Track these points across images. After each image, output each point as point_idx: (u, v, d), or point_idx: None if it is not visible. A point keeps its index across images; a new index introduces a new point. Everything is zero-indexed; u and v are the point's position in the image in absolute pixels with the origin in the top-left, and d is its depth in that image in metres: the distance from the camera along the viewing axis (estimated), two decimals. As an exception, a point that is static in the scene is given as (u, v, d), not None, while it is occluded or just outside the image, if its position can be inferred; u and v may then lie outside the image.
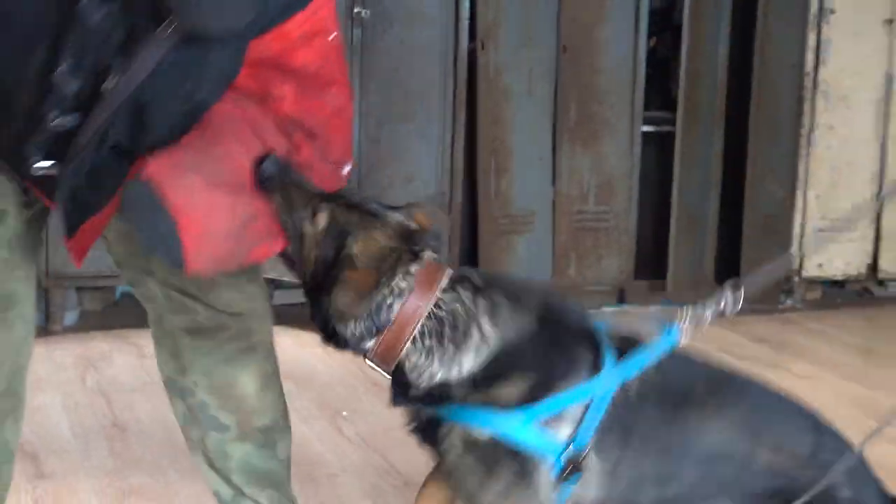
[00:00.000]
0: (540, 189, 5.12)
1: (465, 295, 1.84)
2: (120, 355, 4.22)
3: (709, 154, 5.35)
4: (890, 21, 5.48)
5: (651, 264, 5.47)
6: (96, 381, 3.90)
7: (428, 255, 1.84)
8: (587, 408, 1.79)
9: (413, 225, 1.88)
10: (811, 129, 5.42)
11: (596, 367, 1.81)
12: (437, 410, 1.85)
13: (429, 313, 1.80)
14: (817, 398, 2.41)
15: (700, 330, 1.85)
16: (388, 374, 1.88)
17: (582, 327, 1.89)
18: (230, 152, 1.90)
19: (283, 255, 1.95)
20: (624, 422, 1.83)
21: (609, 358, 1.82)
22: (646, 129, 5.41)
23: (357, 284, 1.81)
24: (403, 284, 1.79)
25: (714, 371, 1.97)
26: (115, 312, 4.85)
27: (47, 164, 1.81)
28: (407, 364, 1.83)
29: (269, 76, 2.03)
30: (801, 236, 5.43)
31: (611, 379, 1.81)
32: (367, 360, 1.88)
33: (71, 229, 1.89)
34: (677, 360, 1.86)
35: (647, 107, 5.25)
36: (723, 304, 1.83)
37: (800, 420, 1.94)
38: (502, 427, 1.79)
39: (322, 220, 1.87)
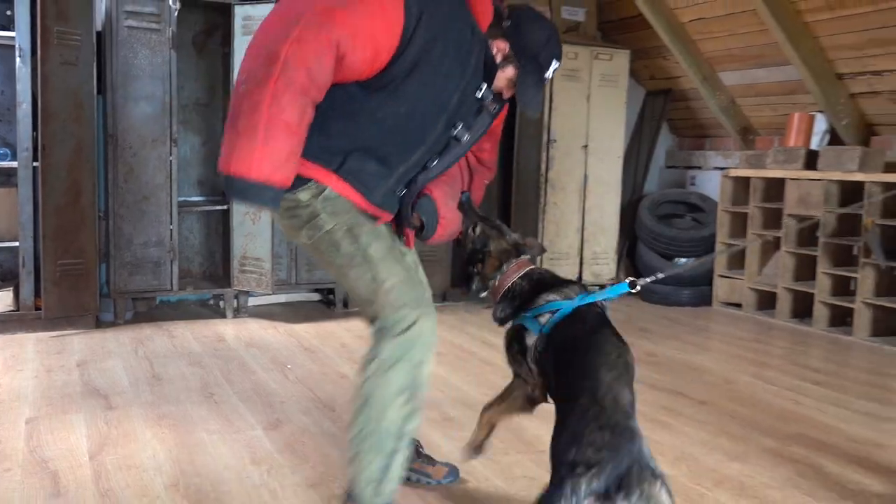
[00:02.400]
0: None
1: (524, 281, 2.11)
2: (157, 337, 4.40)
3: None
4: (585, 146, 5.85)
5: (460, 280, 5.23)
6: (143, 352, 4.08)
7: (523, 256, 2.17)
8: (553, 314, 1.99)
9: (522, 241, 2.22)
10: (544, 205, 5.78)
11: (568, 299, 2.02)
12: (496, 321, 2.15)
13: (512, 283, 2.12)
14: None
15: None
16: (495, 301, 2.15)
17: (566, 281, 2.13)
18: (458, 188, 2.21)
19: (459, 241, 2.29)
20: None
21: (578, 298, 2.02)
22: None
23: (489, 264, 2.16)
24: (506, 268, 2.13)
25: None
26: (155, 312, 5.02)
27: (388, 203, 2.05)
28: (501, 299, 2.13)
29: (484, 139, 2.21)
30: (541, 262, 5.21)
31: (570, 306, 1.97)
32: (483, 294, 2.19)
33: (400, 236, 2.12)
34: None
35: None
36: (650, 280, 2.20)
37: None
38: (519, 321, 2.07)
39: (477, 231, 2.22)
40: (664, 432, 3.09)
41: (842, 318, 5.13)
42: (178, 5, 4.61)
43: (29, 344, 4.25)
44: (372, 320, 1.89)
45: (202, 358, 4.05)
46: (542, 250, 2.42)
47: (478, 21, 1.93)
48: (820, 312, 5.17)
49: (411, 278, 1.91)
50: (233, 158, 1.71)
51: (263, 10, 4.66)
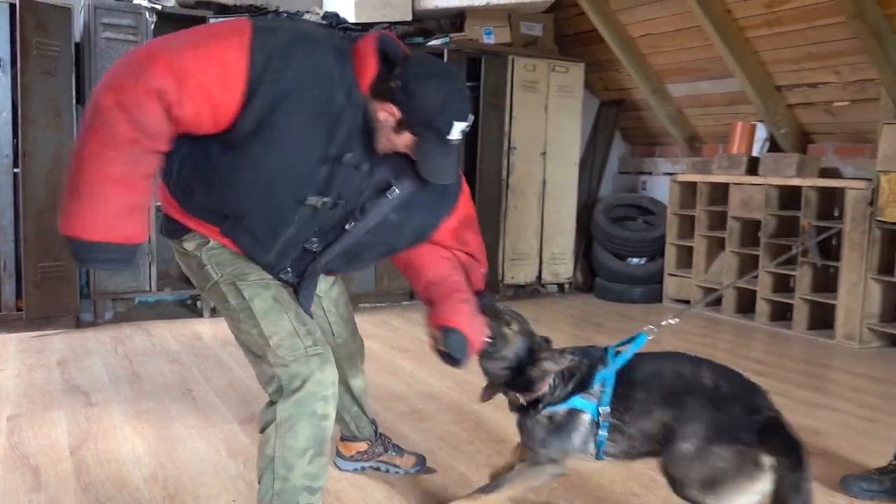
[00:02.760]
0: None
1: (564, 364, 1.93)
2: (137, 336, 4.34)
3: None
4: (544, 153, 5.85)
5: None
6: (122, 350, 4.02)
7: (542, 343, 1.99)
8: (603, 389, 1.90)
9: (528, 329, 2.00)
10: (506, 209, 5.72)
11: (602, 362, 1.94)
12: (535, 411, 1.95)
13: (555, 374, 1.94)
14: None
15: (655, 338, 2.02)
16: (525, 403, 1.96)
17: (597, 354, 1.97)
18: (471, 296, 1.90)
19: (490, 340, 1.94)
20: (623, 394, 1.90)
21: (611, 359, 1.94)
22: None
23: (545, 367, 1.91)
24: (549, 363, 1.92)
25: (655, 359, 2.01)
26: (134, 312, 4.93)
27: (288, 277, 1.81)
28: (542, 398, 1.95)
29: (462, 231, 1.99)
30: (503, 263, 5.70)
31: (612, 370, 1.91)
32: (516, 395, 1.97)
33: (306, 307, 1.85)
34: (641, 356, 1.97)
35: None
36: (664, 324, 2.08)
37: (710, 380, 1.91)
38: (566, 405, 1.91)
39: (516, 327, 1.96)
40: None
41: (782, 313, 5.19)
42: (154, 18, 4.56)
43: (10, 344, 4.17)
44: (266, 380, 1.74)
45: (180, 356, 4.00)
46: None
47: (360, 81, 1.64)
48: (762, 308, 5.24)
49: (298, 329, 1.70)
50: (65, 218, 1.55)
51: (237, 23, 4.63)
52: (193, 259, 1.80)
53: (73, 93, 4.37)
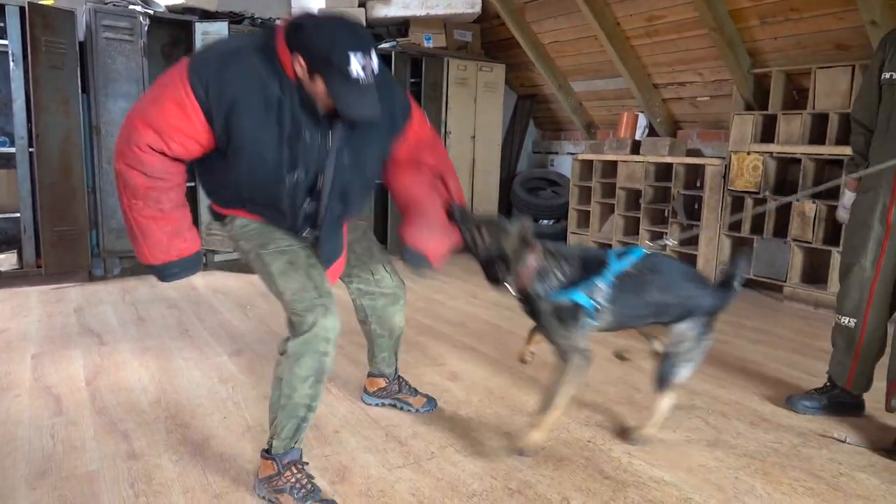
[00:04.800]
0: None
1: (548, 259, 1.89)
2: (141, 287, 4.21)
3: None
4: (473, 137, 5.79)
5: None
6: (129, 299, 3.91)
7: (532, 241, 1.88)
8: (605, 288, 1.86)
9: (519, 227, 1.88)
10: None
11: (603, 264, 1.88)
12: (539, 299, 1.87)
13: (535, 269, 1.87)
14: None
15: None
16: (518, 294, 1.90)
17: (598, 257, 1.91)
18: (436, 210, 1.83)
19: (465, 248, 1.88)
20: (620, 289, 1.87)
21: (612, 262, 1.88)
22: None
23: (510, 262, 1.86)
24: (525, 260, 1.86)
25: (650, 260, 1.92)
26: (139, 268, 4.59)
27: (309, 233, 1.78)
28: (530, 291, 1.88)
29: (419, 152, 1.88)
30: None
31: (613, 271, 1.86)
32: (510, 287, 1.90)
33: (328, 265, 1.81)
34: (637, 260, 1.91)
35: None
36: (661, 243, 1.98)
37: (685, 278, 1.95)
38: (568, 297, 1.85)
39: (485, 231, 1.86)
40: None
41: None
42: (147, 21, 4.33)
43: (33, 295, 4.00)
44: (286, 321, 1.77)
45: (178, 302, 3.91)
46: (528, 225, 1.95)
47: (285, 68, 1.56)
48: (641, 258, 5.33)
49: (306, 285, 1.68)
50: (137, 254, 1.66)
51: (219, 26, 4.48)
52: (230, 233, 1.82)
53: (79, 84, 4.15)
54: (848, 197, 2.31)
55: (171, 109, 1.53)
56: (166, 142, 1.55)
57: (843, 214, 2.31)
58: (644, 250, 1.91)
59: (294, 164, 1.63)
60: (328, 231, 1.77)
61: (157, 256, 1.63)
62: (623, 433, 2.15)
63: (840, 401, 2.35)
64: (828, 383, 2.41)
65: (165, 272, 1.66)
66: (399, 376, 2.34)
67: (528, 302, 1.91)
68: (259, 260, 1.76)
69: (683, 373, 2.01)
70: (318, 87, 1.54)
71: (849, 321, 2.28)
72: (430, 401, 2.37)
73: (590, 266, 1.89)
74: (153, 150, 1.55)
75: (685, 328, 1.97)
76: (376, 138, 1.76)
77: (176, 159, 1.61)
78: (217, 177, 1.72)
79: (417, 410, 2.32)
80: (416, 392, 2.35)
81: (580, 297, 1.85)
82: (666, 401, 2.08)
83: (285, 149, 1.60)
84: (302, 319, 1.66)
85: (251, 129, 1.57)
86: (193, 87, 1.53)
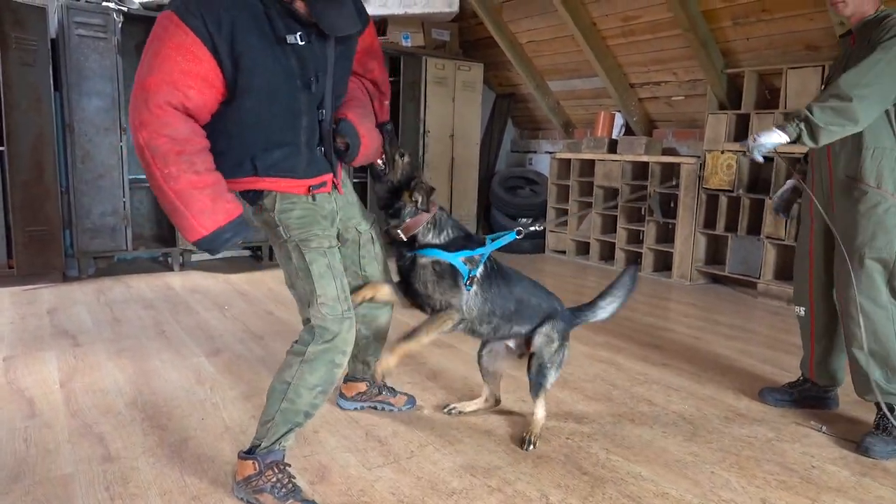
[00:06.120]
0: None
1: (444, 215, 1.93)
2: (116, 287, 4.15)
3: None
4: (452, 135, 5.77)
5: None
6: (104, 299, 3.84)
7: (434, 194, 1.91)
8: (480, 259, 1.92)
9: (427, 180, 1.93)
10: None
11: (482, 245, 1.93)
12: (420, 252, 1.88)
13: (431, 218, 1.89)
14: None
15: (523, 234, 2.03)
16: (404, 238, 1.89)
17: (477, 237, 1.97)
18: (369, 109, 1.84)
19: (378, 166, 1.87)
20: (492, 272, 1.97)
21: (489, 243, 1.94)
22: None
23: (416, 196, 1.85)
24: (424, 203, 1.86)
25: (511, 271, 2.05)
26: (114, 268, 4.68)
27: (324, 166, 1.74)
28: (418, 236, 1.88)
29: (366, 59, 1.89)
30: None
31: (489, 249, 1.93)
32: (395, 229, 1.90)
33: (333, 170, 1.78)
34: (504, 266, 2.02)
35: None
36: (530, 228, 2.07)
37: (538, 288, 2.08)
38: (450, 259, 1.88)
39: (407, 158, 1.89)
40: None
41: (634, 259, 5.26)
42: (121, 18, 4.25)
43: (4, 297, 3.91)
44: (305, 320, 1.71)
45: (154, 302, 3.85)
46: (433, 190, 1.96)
47: None
48: (619, 256, 5.31)
49: (340, 295, 1.67)
50: (184, 233, 1.54)
51: (195, 24, 4.36)
52: (269, 217, 1.71)
53: (51, 81, 4.05)
54: (764, 135, 2.06)
55: (175, 56, 1.46)
56: (184, 91, 1.47)
57: (751, 144, 2.07)
58: (514, 234, 1.99)
59: (305, 71, 1.59)
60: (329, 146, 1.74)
61: (206, 225, 1.51)
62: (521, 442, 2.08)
63: (810, 394, 2.38)
64: (800, 377, 2.44)
65: (218, 240, 1.53)
66: (376, 379, 2.30)
67: (406, 256, 1.91)
68: (299, 254, 1.68)
69: (552, 378, 2.05)
70: (301, 6, 1.55)
71: (800, 310, 2.33)
72: (411, 399, 2.37)
73: (472, 242, 1.94)
74: (173, 106, 1.47)
75: (548, 329, 2.03)
76: (353, 48, 1.76)
77: (192, 120, 1.52)
78: (226, 132, 1.60)
79: (400, 410, 2.31)
80: (395, 392, 2.34)
81: (459, 263, 1.89)
82: (541, 410, 2.09)
83: (291, 56, 1.56)
84: (327, 329, 1.64)
85: (255, 45, 1.51)
86: (190, 24, 1.47)
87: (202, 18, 1.47)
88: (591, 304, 2.13)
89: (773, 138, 1.99)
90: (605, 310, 2.14)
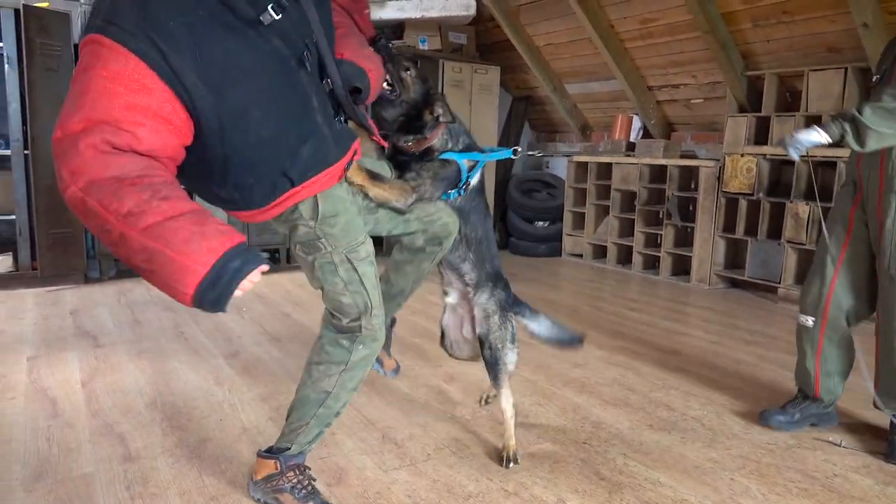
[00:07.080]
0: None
1: (458, 126, 1.81)
2: (137, 289, 4.18)
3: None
4: None
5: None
6: (125, 301, 3.89)
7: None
8: (477, 165, 1.83)
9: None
10: None
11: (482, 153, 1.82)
12: (433, 154, 1.76)
13: (445, 129, 1.78)
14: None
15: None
16: (417, 151, 1.75)
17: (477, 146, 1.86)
18: (355, 30, 1.61)
19: (385, 90, 1.70)
20: (476, 192, 1.90)
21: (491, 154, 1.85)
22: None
23: (438, 111, 1.74)
24: (452, 115, 1.77)
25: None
26: (133, 270, 4.90)
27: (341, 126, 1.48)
28: (434, 147, 1.76)
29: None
30: None
31: (485, 158, 1.84)
32: (406, 143, 1.76)
33: (366, 127, 1.59)
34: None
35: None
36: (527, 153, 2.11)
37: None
38: (458, 159, 1.77)
39: (413, 72, 1.74)
40: (526, 349, 3.09)
41: (652, 263, 5.25)
42: (143, 23, 4.27)
43: (28, 298, 3.98)
44: (349, 321, 1.59)
45: (173, 304, 3.81)
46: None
47: None
48: (637, 259, 5.30)
49: (381, 303, 1.62)
50: (177, 287, 1.10)
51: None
52: (309, 231, 1.50)
53: (75, 86, 4.12)
54: (804, 132, 1.91)
55: (114, 88, 1.08)
56: (131, 131, 1.09)
57: (787, 140, 1.91)
58: (511, 152, 1.91)
59: (295, 47, 1.31)
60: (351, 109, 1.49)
61: (202, 258, 1.08)
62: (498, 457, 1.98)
63: (812, 413, 2.25)
64: (798, 394, 2.29)
65: (225, 275, 1.10)
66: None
67: (412, 161, 1.75)
68: (346, 265, 1.53)
69: (511, 358, 1.93)
70: None
71: (808, 320, 2.18)
72: (398, 367, 2.28)
73: (476, 149, 1.87)
74: (116, 147, 1.09)
75: (485, 299, 1.92)
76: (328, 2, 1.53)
77: (151, 157, 1.14)
78: (248, 156, 1.30)
79: (385, 374, 2.21)
80: (389, 353, 2.22)
81: (463, 165, 1.78)
82: (506, 401, 1.94)
83: (272, 37, 1.25)
84: (375, 334, 1.60)
85: (234, 46, 1.18)
86: (130, 47, 1.09)
87: (148, 38, 1.10)
88: (535, 310, 2.04)
89: (812, 137, 1.86)
90: (541, 324, 2.03)
